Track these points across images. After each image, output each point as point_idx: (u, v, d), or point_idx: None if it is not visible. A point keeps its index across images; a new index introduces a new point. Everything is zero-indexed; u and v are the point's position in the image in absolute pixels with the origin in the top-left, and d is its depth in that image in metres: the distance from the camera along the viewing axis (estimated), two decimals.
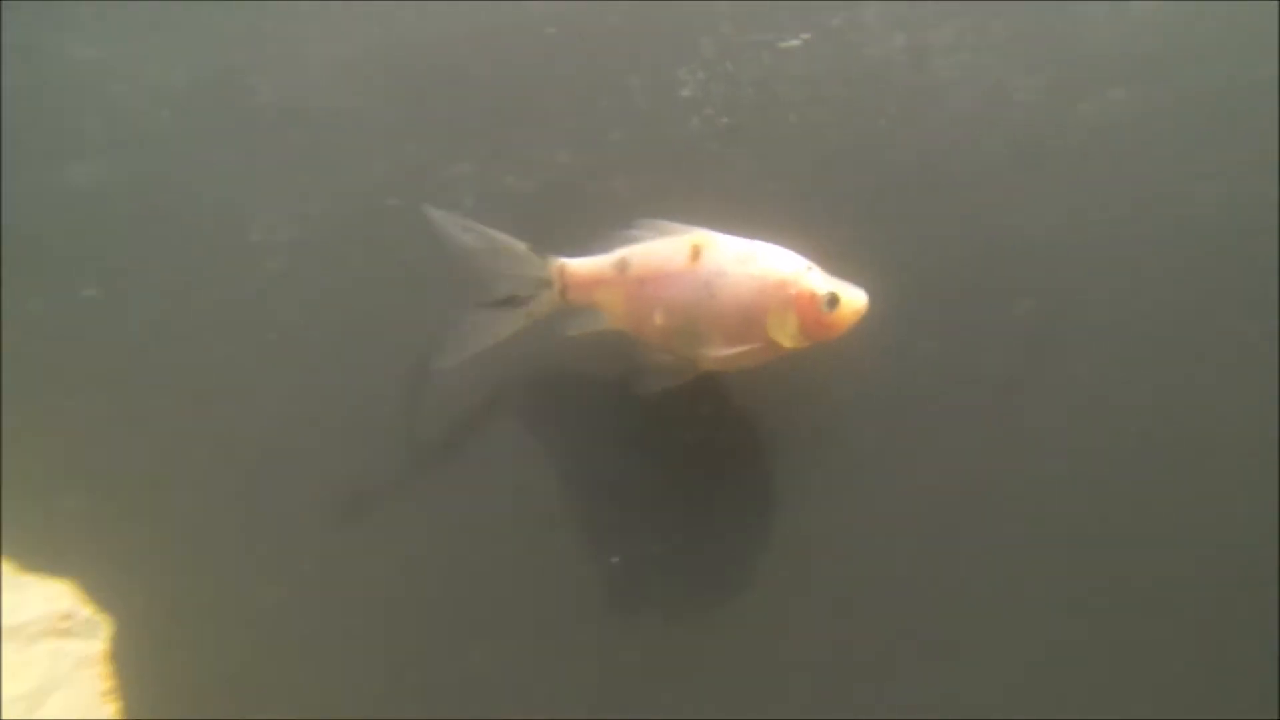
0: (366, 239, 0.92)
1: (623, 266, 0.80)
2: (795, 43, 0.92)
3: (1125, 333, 0.87)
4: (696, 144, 0.91)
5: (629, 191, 0.90)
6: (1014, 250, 0.87)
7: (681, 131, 0.91)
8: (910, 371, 0.87)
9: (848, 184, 0.90)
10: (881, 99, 0.91)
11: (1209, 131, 0.88)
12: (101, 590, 0.88)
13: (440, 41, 0.95)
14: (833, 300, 0.76)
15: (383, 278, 0.91)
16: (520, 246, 0.82)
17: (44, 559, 0.88)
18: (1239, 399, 0.86)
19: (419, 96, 0.94)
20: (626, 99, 0.92)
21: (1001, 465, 0.86)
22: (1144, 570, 0.83)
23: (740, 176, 0.91)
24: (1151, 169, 0.88)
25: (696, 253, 0.78)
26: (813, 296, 0.76)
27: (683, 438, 0.87)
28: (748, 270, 0.77)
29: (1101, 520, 0.85)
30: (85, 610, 0.90)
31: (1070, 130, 0.89)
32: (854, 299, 0.77)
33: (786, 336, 0.77)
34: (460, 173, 0.92)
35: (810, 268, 0.77)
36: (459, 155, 0.92)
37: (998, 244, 0.88)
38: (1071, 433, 0.86)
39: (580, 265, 0.82)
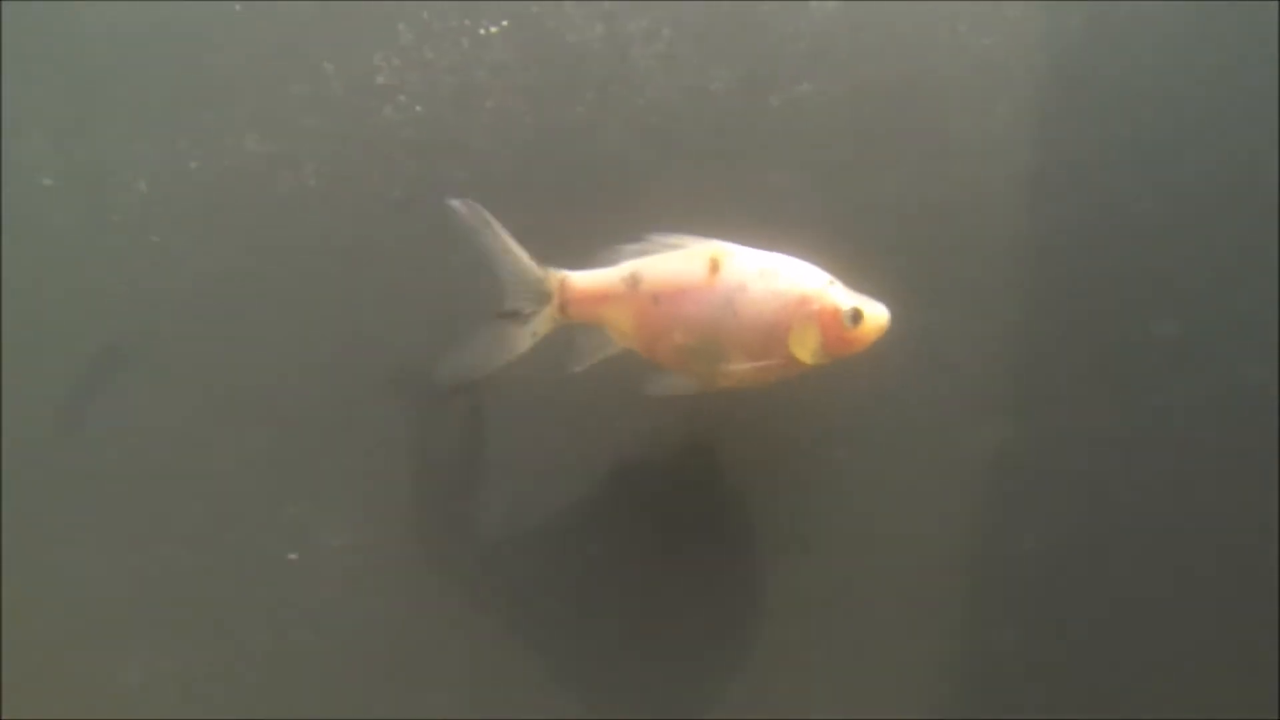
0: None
1: (634, 281, 0.75)
2: (494, 29, 0.91)
3: None
4: (390, 131, 0.89)
5: (317, 180, 0.88)
6: (708, 235, 0.89)
7: (375, 119, 0.89)
8: None
9: (546, 172, 0.90)
10: (580, 87, 0.91)
11: (885, 123, 0.92)
12: None
13: (122, 18, 0.90)
14: (856, 316, 0.74)
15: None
16: (522, 254, 0.77)
17: None
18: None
19: (97, 73, 0.89)
20: (320, 84, 0.89)
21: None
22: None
23: (432, 164, 0.89)
24: (834, 159, 0.91)
25: (715, 266, 0.74)
26: (836, 312, 0.73)
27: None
28: (770, 285, 0.74)
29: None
30: None
31: (761, 121, 0.91)
32: (877, 314, 0.74)
33: (808, 353, 0.74)
34: (139, 154, 0.88)
35: (832, 282, 0.75)
36: (138, 137, 0.88)
37: (693, 231, 0.90)
38: None
39: (584, 279, 0.77)
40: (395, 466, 0.87)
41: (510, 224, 0.78)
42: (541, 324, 0.77)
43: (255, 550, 0.87)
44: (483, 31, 0.90)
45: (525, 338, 0.77)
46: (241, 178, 0.88)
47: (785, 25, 0.92)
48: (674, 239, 0.77)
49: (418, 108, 0.89)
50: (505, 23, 0.90)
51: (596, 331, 0.78)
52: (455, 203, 0.77)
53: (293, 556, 0.86)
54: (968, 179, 0.91)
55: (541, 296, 0.77)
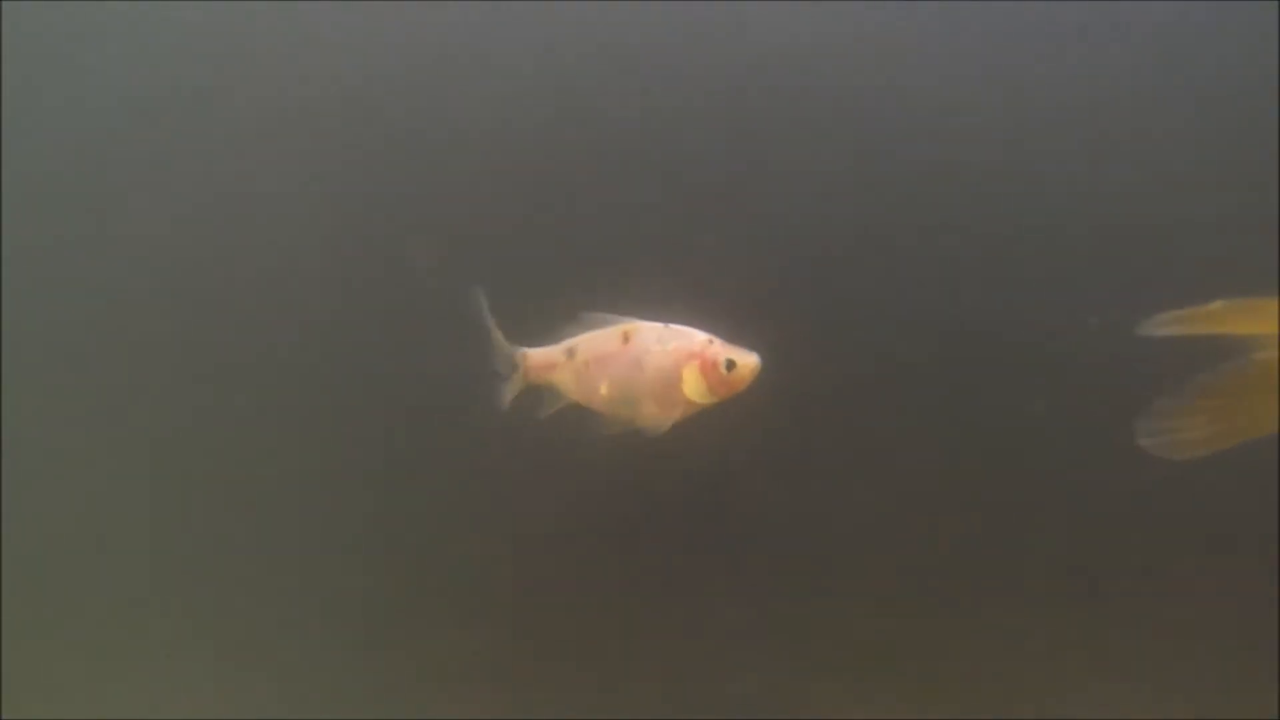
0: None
1: (571, 352, 1.08)
2: None
3: None
4: None
5: None
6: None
7: None
8: None
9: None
10: None
11: None
12: None
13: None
14: (730, 364, 1.01)
15: None
16: (500, 337, 1.10)
17: None
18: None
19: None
20: None
21: None
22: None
23: None
24: None
25: (626, 337, 1.05)
26: (715, 363, 1.01)
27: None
28: (665, 348, 1.03)
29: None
30: None
31: None
32: (747, 361, 1.02)
33: (699, 395, 1.02)
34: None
35: (711, 341, 1.03)
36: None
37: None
38: None
39: (537, 353, 1.10)
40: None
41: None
42: (514, 384, 1.10)
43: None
44: None
45: (507, 392, 1.11)
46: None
47: None
48: (599, 316, 1.07)
49: None
50: None
51: (550, 388, 1.10)
52: (477, 295, 1.11)
53: None
54: None
55: (512, 366, 1.10)
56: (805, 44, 1.33)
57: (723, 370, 1.02)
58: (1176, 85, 1.26)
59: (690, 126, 1.37)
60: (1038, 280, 1.39)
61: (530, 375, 1.09)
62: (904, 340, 1.37)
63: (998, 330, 1.41)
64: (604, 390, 1.06)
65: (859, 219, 1.39)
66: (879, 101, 1.30)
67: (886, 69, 1.35)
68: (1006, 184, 1.39)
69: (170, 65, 1.53)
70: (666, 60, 1.36)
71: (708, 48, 1.35)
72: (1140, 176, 1.30)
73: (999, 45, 1.33)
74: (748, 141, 1.41)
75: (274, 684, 1.53)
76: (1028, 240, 1.39)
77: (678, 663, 1.46)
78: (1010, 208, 1.38)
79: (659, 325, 1.06)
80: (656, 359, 1.03)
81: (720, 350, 1.03)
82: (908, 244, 1.40)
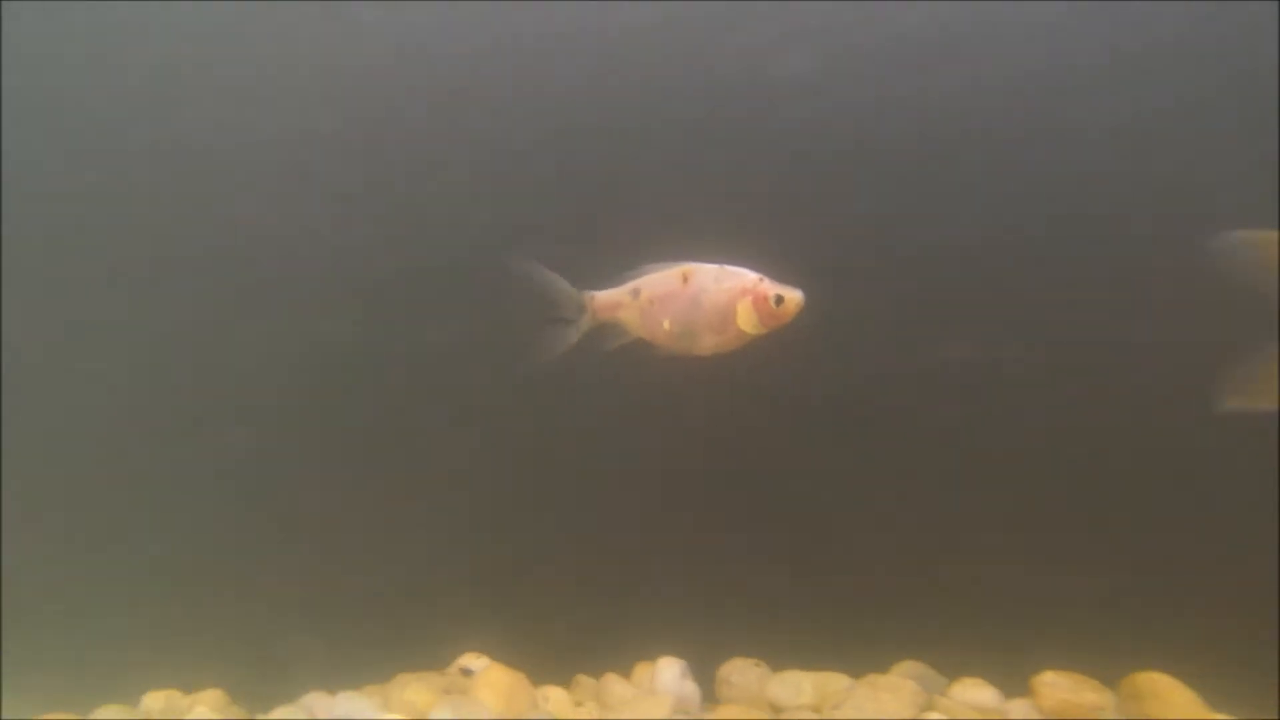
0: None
1: (635, 293, 1.26)
2: None
3: None
4: None
5: None
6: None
7: None
8: None
9: None
10: None
11: None
12: None
13: None
14: (779, 299, 1.18)
15: None
16: (566, 285, 1.28)
17: None
18: None
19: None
20: None
21: None
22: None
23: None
24: None
25: (686, 278, 1.21)
26: (765, 298, 1.18)
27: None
28: (721, 286, 1.19)
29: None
30: None
31: None
32: (794, 296, 1.18)
33: (751, 326, 1.19)
34: None
35: (761, 279, 1.20)
36: None
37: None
38: None
39: (605, 295, 1.28)
40: None
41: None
42: (583, 324, 1.28)
43: None
44: None
45: (574, 333, 1.28)
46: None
47: None
48: (657, 265, 1.26)
49: None
50: None
51: (616, 326, 1.28)
52: (519, 259, 1.28)
53: None
54: None
55: (580, 308, 1.27)
56: None
57: (772, 304, 1.18)
58: None
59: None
60: None
61: (599, 315, 1.27)
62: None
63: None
64: (666, 325, 1.22)
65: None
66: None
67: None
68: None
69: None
70: None
71: None
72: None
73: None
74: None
75: None
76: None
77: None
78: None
79: (715, 266, 1.22)
80: (713, 296, 1.20)
81: (770, 287, 1.20)
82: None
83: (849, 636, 1.73)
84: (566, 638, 1.81)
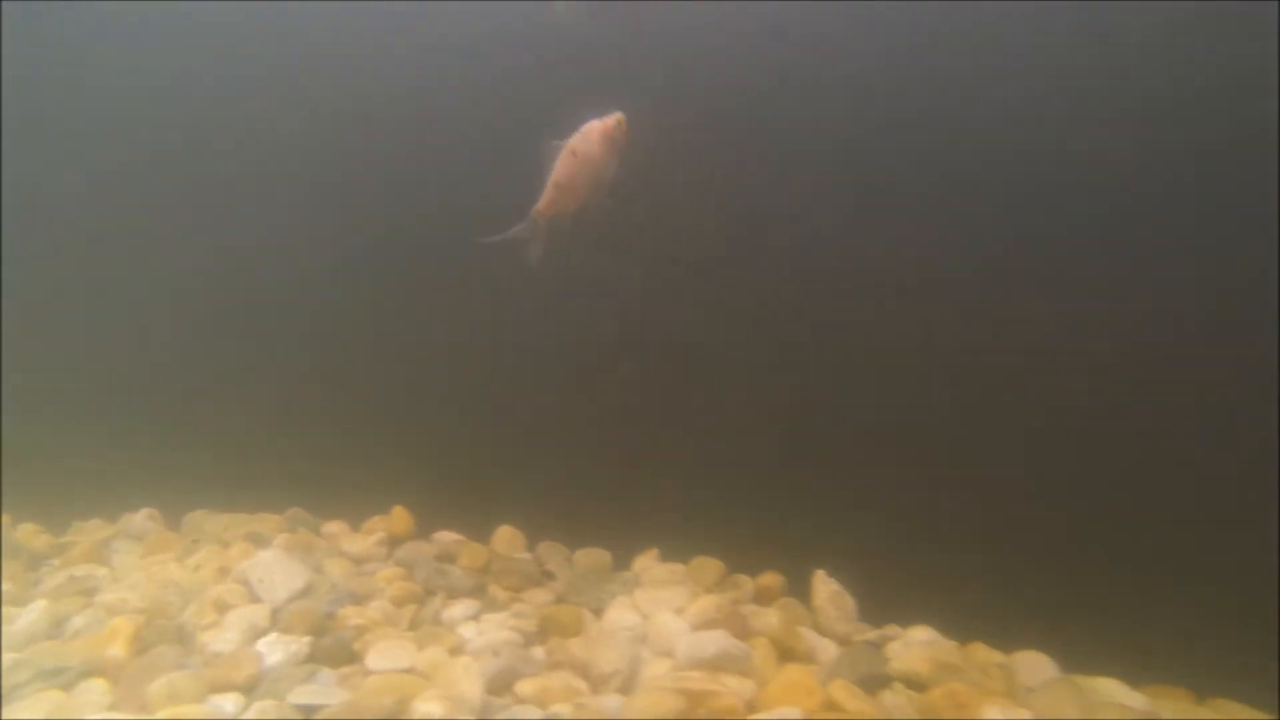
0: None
1: (556, 186, 1.70)
2: None
3: None
4: None
5: None
6: None
7: None
8: None
9: None
10: None
11: None
12: None
13: None
14: (620, 123, 1.70)
15: None
16: (520, 222, 1.72)
17: None
18: None
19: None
20: None
21: None
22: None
23: None
24: None
25: (572, 150, 1.68)
26: (612, 125, 1.69)
27: None
28: (590, 140, 1.67)
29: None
30: None
31: None
32: (620, 116, 1.69)
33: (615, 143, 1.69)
34: None
35: (604, 116, 1.68)
36: None
37: None
38: None
39: (541, 202, 1.71)
40: None
41: None
42: (541, 228, 1.73)
43: None
44: None
45: (540, 236, 1.74)
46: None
47: None
48: (555, 144, 1.71)
49: None
50: None
51: (561, 212, 1.73)
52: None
53: None
54: None
55: (533, 226, 1.73)
56: None
57: (615, 127, 1.69)
58: None
59: None
60: None
61: (545, 214, 1.71)
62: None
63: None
64: (585, 186, 1.70)
65: None
66: None
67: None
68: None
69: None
70: None
71: None
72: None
73: None
74: None
75: None
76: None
77: None
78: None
79: (577, 131, 1.68)
80: (587, 148, 1.68)
81: (610, 119, 1.70)
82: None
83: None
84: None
